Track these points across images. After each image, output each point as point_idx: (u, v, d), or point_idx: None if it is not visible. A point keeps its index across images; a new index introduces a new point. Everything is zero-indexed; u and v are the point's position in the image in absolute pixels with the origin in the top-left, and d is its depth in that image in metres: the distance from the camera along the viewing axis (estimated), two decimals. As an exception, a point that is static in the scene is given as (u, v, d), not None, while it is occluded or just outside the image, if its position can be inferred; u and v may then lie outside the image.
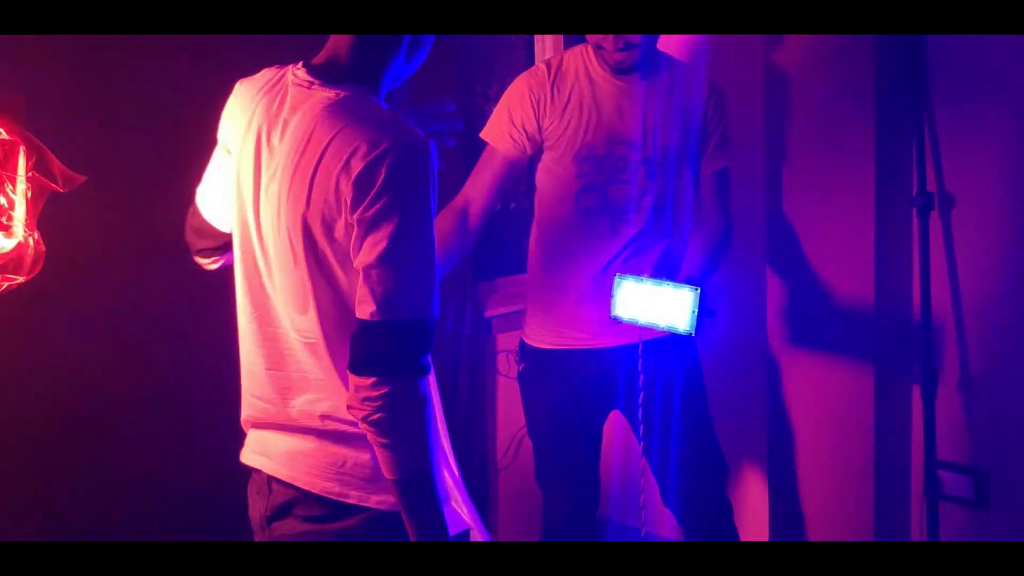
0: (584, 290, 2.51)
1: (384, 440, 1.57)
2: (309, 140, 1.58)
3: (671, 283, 2.24)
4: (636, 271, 2.45)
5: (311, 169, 1.57)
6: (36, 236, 1.79)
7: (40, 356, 2.11)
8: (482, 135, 2.58)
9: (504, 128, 2.54)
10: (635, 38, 2.39)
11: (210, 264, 1.85)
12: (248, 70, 1.75)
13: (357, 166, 1.52)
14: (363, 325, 1.56)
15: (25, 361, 2.09)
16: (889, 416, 2.85)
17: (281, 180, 1.60)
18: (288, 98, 1.64)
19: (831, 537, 2.91)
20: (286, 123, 1.62)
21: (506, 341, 3.20)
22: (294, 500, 1.70)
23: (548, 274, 2.58)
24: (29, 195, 1.77)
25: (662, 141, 2.50)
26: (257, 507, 1.76)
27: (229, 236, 1.77)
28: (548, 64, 2.56)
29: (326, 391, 1.66)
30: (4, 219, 1.72)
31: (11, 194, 1.72)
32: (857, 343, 2.82)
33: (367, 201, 1.53)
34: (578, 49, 2.54)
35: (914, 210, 2.79)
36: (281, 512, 1.72)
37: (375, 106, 1.61)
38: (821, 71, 2.82)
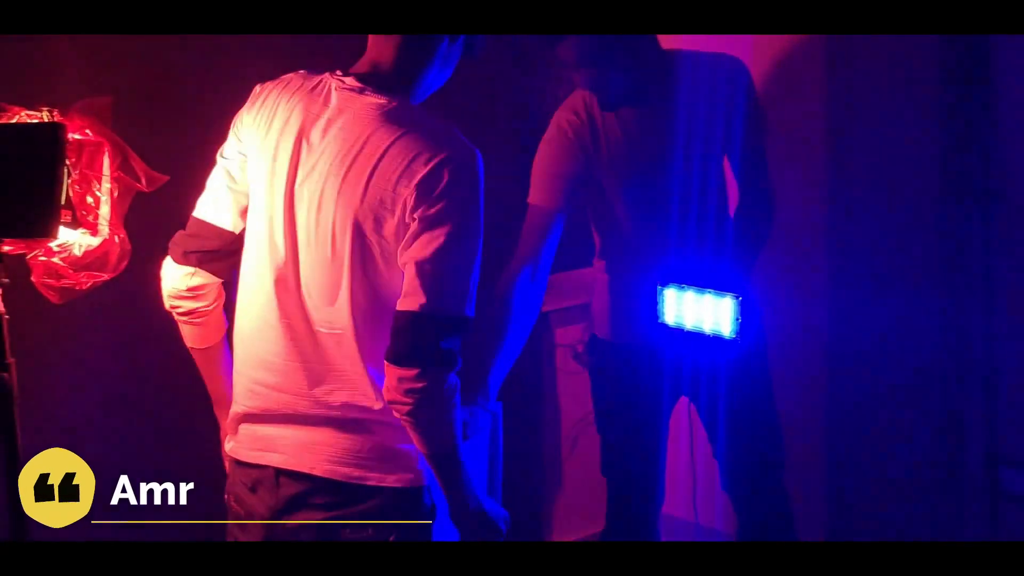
0: (648, 296, 2.53)
1: (422, 428, 1.70)
2: (366, 142, 1.70)
3: (712, 291, 2.30)
4: (699, 275, 2.47)
5: (368, 170, 1.69)
6: (122, 235, 1.85)
7: (123, 352, 2.16)
8: (535, 201, 2.48)
9: (562, 187, 2.47)
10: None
11: (183, 271, 1.87)
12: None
13: (420, 171, 1.67)
14: (409, 317, 1.67)
15: (109, 357, 2.14)
16: (948, 412, 2.85)
17: (325, 177, 1.71)
18: (333, 101, 1.74)
19: (888, 535, 2.91)
20: (330, 122, 1.73)
21: (564, 335, 3.22)
22: (308, 491, 1.79)
23: (613, 282, 2.62)
24: (115, 195, 1.83)
25: (699, 150, 2.50)
26: (263, 502, 1.82)
27: (223, 239, 1.85)
28: (577, 115, 2.49)
29: (344, 381, 1.76)
30: (91, 218, 1.77)
31: (97, 193, 1.78)
32: (918, 339, 2.82)
33: (428, 202, 1.66)
34: (579, 95, 2.49)
35: (976, 208, 2.79)
36: (293, 504, 1.80)
37: (429, 116, 1.75)
38: (885, 73, 2.82)
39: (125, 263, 1.87)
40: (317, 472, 1.78)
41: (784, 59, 2.97)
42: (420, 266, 1.67)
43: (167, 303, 1.91)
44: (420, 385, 1.66)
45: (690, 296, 2.32)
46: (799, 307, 3.04)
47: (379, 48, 1.78)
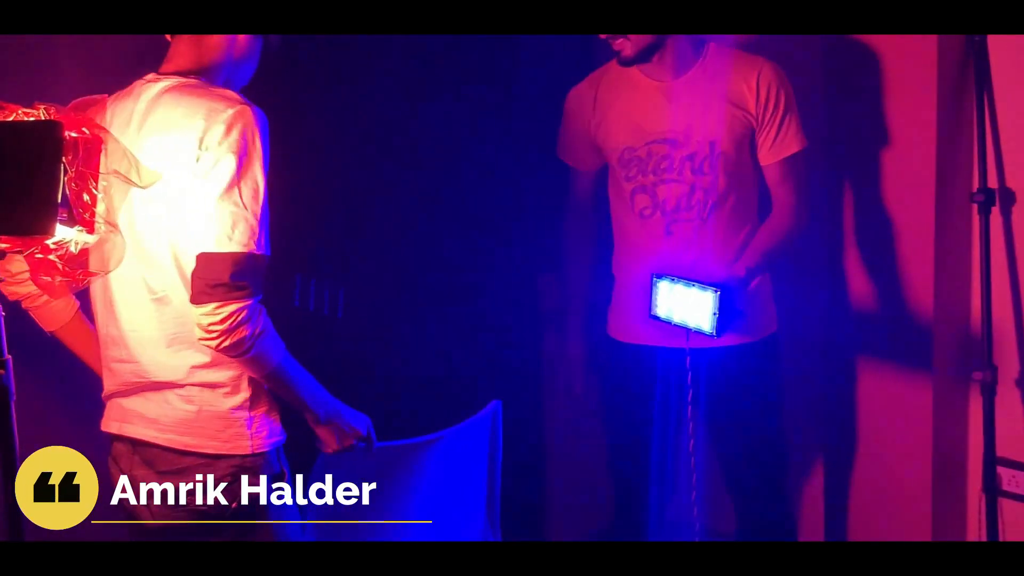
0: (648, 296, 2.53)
1: (238, 357, 1.86)
2: (151, 114, 1.90)
3: (698, 284, 2.29)
4: (697, 270, 2.47)
5: (158, 135, 1.87)
6: (117, 232, 1.86)
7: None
8: (560, 156, 2.71)
9: (571, 146, 2.65)
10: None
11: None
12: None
13: (199, 126, 1.84)
14: (200, 258, 1.83)
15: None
16: (948, 412, 2.85)
17: (133, 156, 1.86)
18: (133, 94, 1.96)
19: (888, 534, 2.91)
20: (132, 112, 1.94)
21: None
22: (155, 458, 1.96)
23: (621, 274, 2.63)
24: (111, 192, 1.83)
25: (707, 135, 2.50)
26: (122, 470, 2.00)
27: None
28: (592, 76, 2.63)
29: (182, 341, 1.92)
30: (87, 215, 1.77)
31: (93, 191, 1.77)
32: (916, 339, 2.82)
33: (208, 154, 1.83)
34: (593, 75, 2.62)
35: (975, 207, 2.78)
36: (144, 471, 1.97)
37: (213, 87, 1.94)
38: (882, 66, 2.81)
39: (121, 260, 1.87)
40: (160, 442, 1.95)
41: (783, 58, 2.97)
42: (205, 212, 1.83)
43: (6, 292, 2.09)
44: (217, 319, 1.81)
45: (679, 289, 2.32)
46: (796, 306, 3.03)
47: (174, 46, 2.00)
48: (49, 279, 1.83)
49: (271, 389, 1.97)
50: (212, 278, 1.81)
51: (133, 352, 1.98)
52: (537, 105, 2.95)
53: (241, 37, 2.00)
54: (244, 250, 1.83)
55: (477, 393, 2.65)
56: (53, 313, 2.14)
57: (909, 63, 2.76)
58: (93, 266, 1.90)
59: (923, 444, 2.83)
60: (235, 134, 1.84)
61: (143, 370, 1.98)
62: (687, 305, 2.32)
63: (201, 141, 1.84)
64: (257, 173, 1.86)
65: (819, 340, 3.02)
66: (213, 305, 1.81)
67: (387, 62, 2.84)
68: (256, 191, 1.85)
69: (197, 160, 1.84)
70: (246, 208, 1.84)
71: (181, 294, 1.90)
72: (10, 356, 1.77)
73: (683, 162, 2.52)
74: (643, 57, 2.49)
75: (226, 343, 1.83)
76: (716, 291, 2.25)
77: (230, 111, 1.85)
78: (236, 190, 1.83)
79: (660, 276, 2.37)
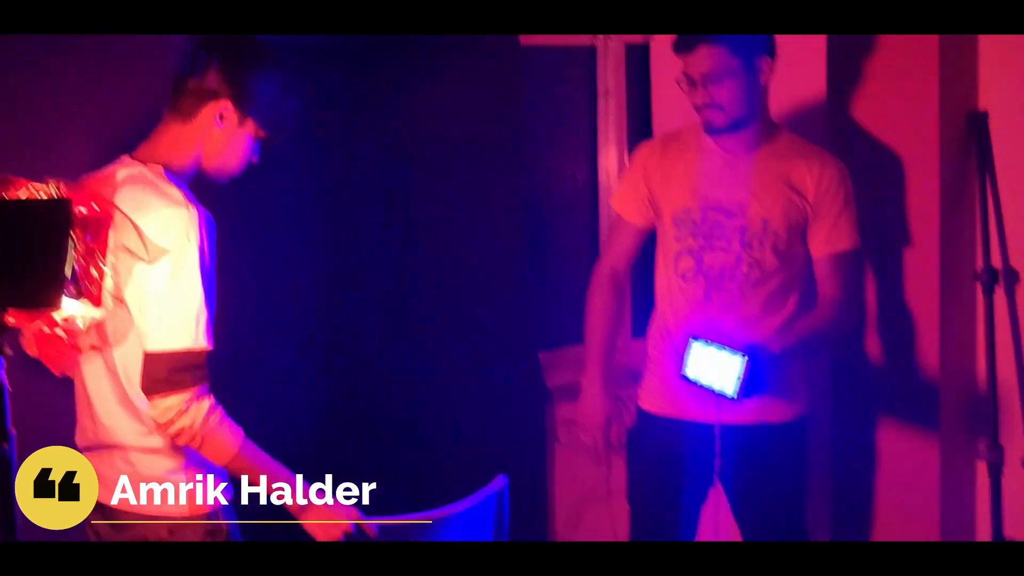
0: (683, 358, 2.50)
1: (191, 445, 1.92)
2: (114, 203, 1.91)
3: (728, 348, 2.30)
4: (731, 341, 2.44)
5: (114, 227, 1.87)
6: (124, 307, 1.87)
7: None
8: (611, 203, 2.77)
9: (627, 197, 2.69)
10: (720, 99, 2.47)
11: None
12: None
13: (141, 224, 1.89)
14: (144, 356, 1.90)
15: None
16: (954, 491, 2.83)
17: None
18: (108, 176, 2.01)
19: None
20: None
21: (565, 411, 3.21)
22: (101, 513, 2.00)
23: (655, 338, 2.64)
24: (119, 267, 1.85)
25: (762, 212, 2.53)
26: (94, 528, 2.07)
27: None
28: (665, 134, 2.72)
29: (124, 415, 1.97)
30: (95, 290, 1.78)
31: (102, 265, 1.79)
32: (923, 417, 2.81)
33: (147, 253, 1.89)
34: (696, 123, 2.62)
35: (979, 285, 2.79)
36: (107, 529, 2.02)
37: (164, 181, 1.97)
38: (883, 139, 2.84)
39: (126, 335, 1.89)
40: (106, 501, 1.99)
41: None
42: (146, 309, 1.90)
43: (27, 349, 2.07)
44: (157, 412, 1.90)
45: (711, 351, 2.34)
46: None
47: (159, 125, 2.03)
48: (55, 353, 1.84)
49: (227, 470, 2.00)
50: (153, 375, 1.90)
51: (87, 418, 2.05)
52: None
53: (215, 137, 2.02)
54: (180, 348, 1.90)
55: (483, 464, 2.63)
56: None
57: (910, 141, 2.79)
58: (97, 340, 1.91)
59: (930, 523, 2.80)
60: (171, 234, 1.89)
61: (90, 435, 2.04)
62: (715, 367, 2.35)
63: (141, 239, 1.90)
64: (192, 271, 1.90)
65: (829, 417, 3.01)
66: (156, 399, 1.90)
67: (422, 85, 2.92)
68: (193, 289, 1.90)
69: (138, 259, 1.90)
70: (184, 306, 1.90)
71: (128, 372, 1.96)
72: (5, 356, 1.75)
73: (734, 232, 2.54)
74: (732, 127, 2.54)
75: (170, 432, 1.91)
76: (744, 356, 2.27)
77: (167, 211, 1.91)
78: (173, 289, 1.89)
79: (697, 338, 2.38)
